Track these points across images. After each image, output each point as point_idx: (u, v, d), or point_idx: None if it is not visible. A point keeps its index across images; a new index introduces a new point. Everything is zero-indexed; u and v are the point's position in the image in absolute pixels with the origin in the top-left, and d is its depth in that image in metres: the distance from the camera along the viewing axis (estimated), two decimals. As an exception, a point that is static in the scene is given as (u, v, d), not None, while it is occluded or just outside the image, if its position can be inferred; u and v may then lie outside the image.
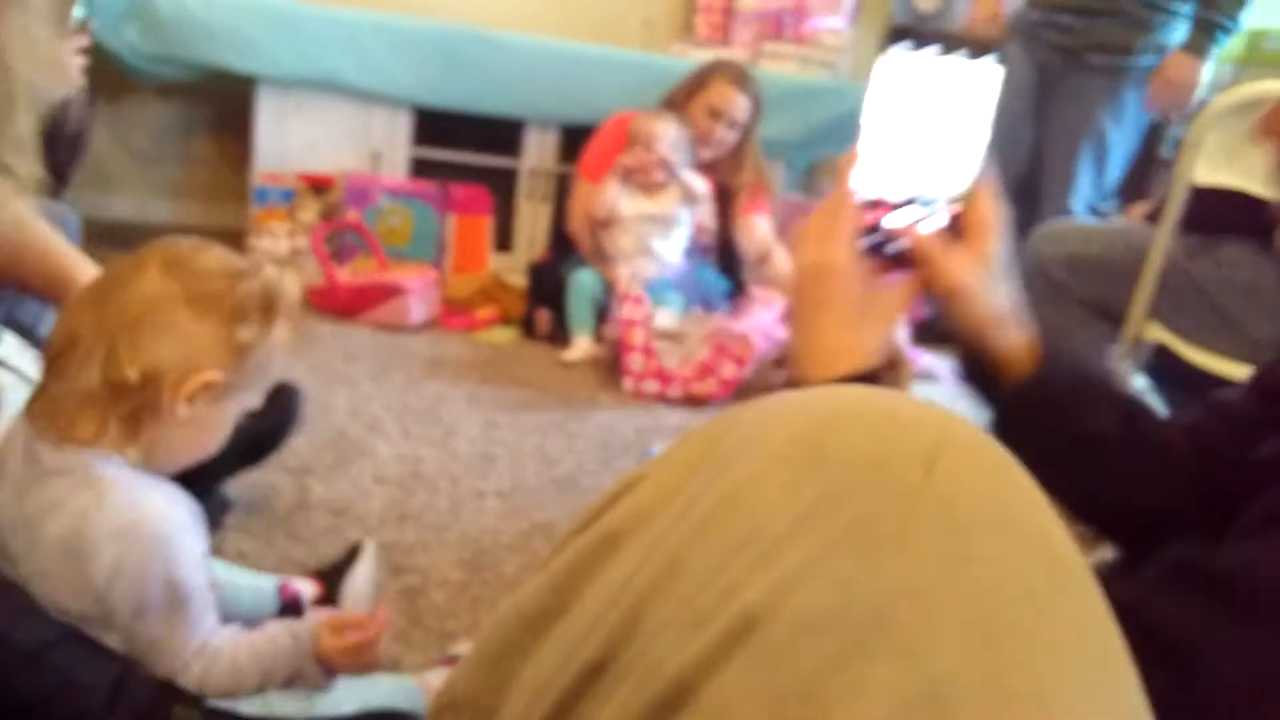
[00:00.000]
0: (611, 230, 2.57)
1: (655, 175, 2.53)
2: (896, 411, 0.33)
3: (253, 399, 0.94)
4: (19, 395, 1.04)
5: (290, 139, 2.82)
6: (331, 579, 1.25)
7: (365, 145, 2.90)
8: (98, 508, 0.82)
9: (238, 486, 1.48)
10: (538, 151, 3.07)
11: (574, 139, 2.95)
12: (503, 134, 3.04)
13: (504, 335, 2.60)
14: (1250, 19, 3.32)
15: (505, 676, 0.35)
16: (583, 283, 2.53)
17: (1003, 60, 2.81)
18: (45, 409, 0.85)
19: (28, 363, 1.10)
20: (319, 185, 2.80)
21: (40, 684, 0.81)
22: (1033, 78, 2.72)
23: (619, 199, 2.55)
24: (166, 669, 0.87)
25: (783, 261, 2.68)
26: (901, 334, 2.38)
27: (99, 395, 0.83)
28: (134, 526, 0.83)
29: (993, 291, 0.64)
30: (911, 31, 0.51)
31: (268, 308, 0.91)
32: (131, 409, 0.84)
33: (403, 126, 2.93)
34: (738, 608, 0.29)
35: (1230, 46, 3.33)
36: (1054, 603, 0.30)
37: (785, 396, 0.36)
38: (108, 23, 2.49)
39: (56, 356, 0.84)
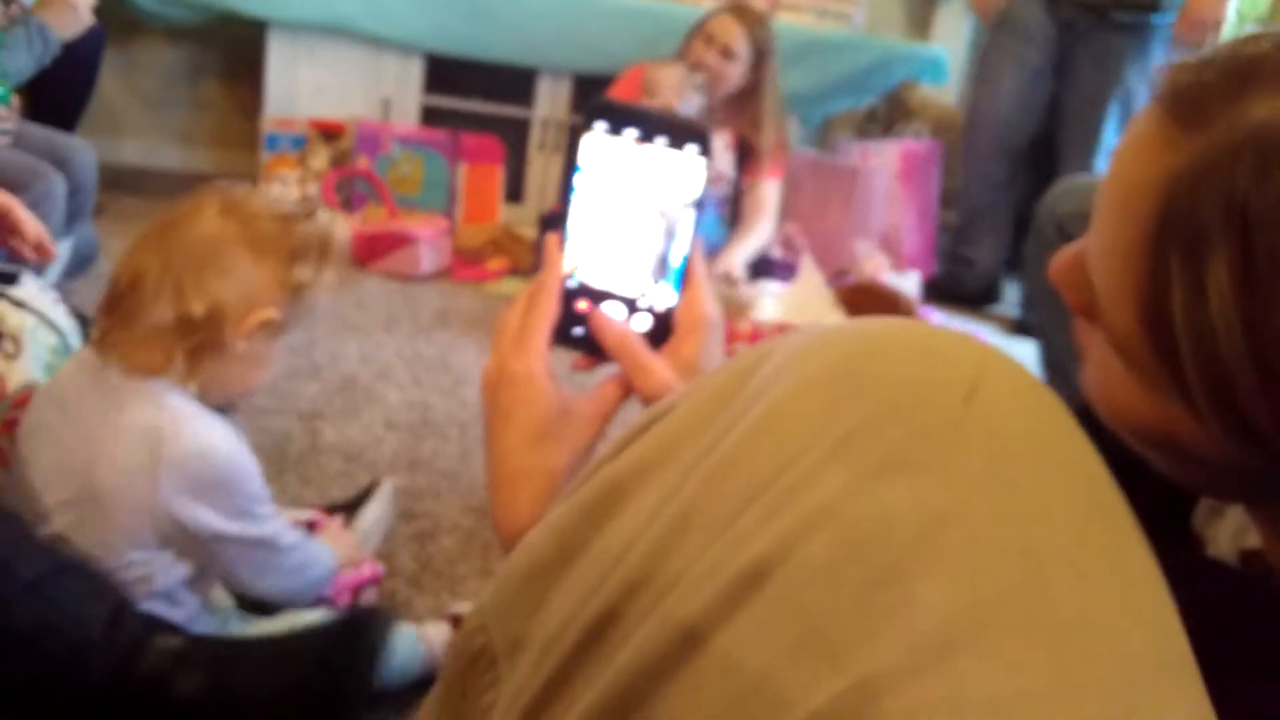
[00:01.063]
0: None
1: None
2: (935, 342, 0.33)
3: (297, 336, 0.97)
4: (41, 337, 1.04)
5: (301, 85, 2.79)
6: (343, 514, 1.27)
7: (376, 92, 2.87)
8: (175, 431, 0.88)
9: (249, 430, 1.49)
10: (550, 101, 3.04)
11: (587, 89, 2.92)
12: (515, 83, 3.00)
13: (514, 287, 2.59)
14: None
15: (535, 602, 0.35)
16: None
17: (1009, 19, 2.77)
18: (114, 340, 0.89)
19: (49, 304, 1.10)
20: (329, 132, 2.78)
21: (38, 615, 0.83)
22: (1054, 34, 2.68)
23: None
24: (248, 569, 0.96)
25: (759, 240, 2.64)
26: (914, 290, 2.34)
27: (167, 330, 0.88)
28: (213, 449, 0.90)
29: None
30: (611, 111, 0.49)
31: (321, 250, 0.96)
32: (196, 343, 0.90)
33: (414, 73, 2.90)
34: (774, 533, 0.29)
35: (1254, 5, 3.28)
36: (1098, 533, 0.30)
37: (819, 329, 0.36)
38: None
39: (123, 293, 0.89)
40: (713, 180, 2.62)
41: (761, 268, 2.61)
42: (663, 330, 0.59)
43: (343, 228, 0.99)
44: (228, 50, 3.07)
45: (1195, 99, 0.40)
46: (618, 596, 0.31)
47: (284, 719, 0.94)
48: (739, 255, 2.53)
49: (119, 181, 2.83)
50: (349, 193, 2.73)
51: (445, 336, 2.14)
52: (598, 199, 0.57)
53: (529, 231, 2.77)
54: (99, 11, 1.95)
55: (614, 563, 0.33)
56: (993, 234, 2.99)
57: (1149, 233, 0.40)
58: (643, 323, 0.59)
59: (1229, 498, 0.51)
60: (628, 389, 0.57)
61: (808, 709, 0.27)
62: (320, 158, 2.75)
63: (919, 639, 0.27)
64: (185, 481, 0.88)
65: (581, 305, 0.58)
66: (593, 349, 0.58)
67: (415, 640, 1.06)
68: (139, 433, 0.87)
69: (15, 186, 1.63)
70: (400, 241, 2.48)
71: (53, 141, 1.83)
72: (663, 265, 0.58)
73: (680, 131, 0.56)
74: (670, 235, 0.58)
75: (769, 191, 2.61)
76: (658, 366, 0.56)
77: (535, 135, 3.07)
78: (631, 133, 0.56)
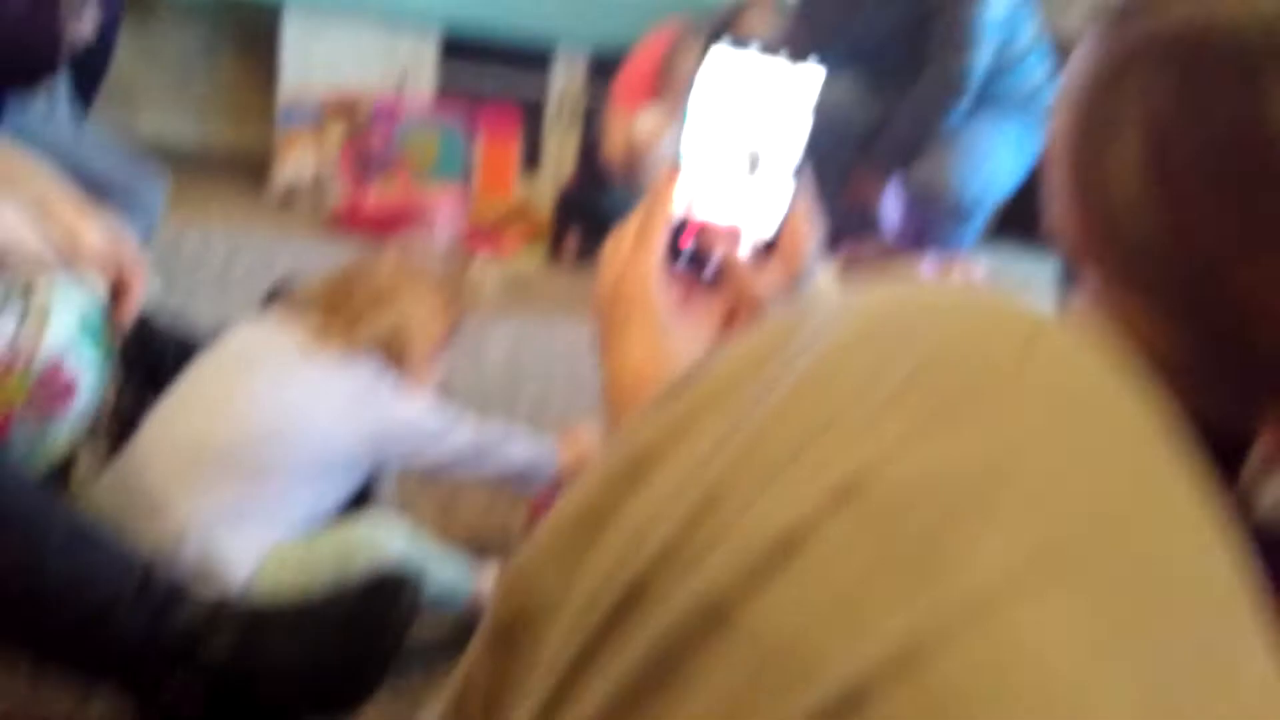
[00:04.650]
0: (651, 160, 2.52)
1: None
2: (987, 299, 0.33)
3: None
4: (73, 299, 1.02)
5: (317, 59, 2.79)
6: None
7: (392, 65, 2.86)
8: (383, 397, 1.18)
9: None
10: (566, 77, 3.03)
11: (604, 66, 2.89)
12: (531, 57, 2.99)
13: (531, 258, 2.59)
14: None
15: (571, 564, 0.35)
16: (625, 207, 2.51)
17: None
18: (334, 333, 1.17)
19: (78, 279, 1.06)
20: (346, 106, 2.78)
21: (71, 573, 0.88)
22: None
23: (660, 125, 2.49)
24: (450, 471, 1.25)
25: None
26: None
27: (374, 339, 1.18)
28: (410, 416, 1.21)
29: None
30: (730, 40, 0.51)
31: (480, 288, 1.36)
32: (391, 353, 1.19)
33: (430, 47, 2.88)
34: (832, 479, 0.29)
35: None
36: (1163, 485, 0.30)
37: (863, 289, 0.35)
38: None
39: (338, 305, 1.19)
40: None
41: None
42: (767, 252, 0.61)
43: (491, 271, 1.37)
44: (244, 25, 3.06)
45: (1120, 9, 0.43)
46: (647, 568, 0.31)
47: (310, 684, 0.97)
48: None
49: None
50: (365, 165, 2.72)
51: (463, 309, 2.14)
52: (711, 127, 0.59)
53: (545, 206, 2.76)
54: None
55: (644, 531, 0.32)
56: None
57: (1074, 129, 0.44)
58: (747, 246, 0.61)
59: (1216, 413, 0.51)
60: (733, 307, 0.61)
61: (835, 674, 0.26)
62: (336, 131, 2.74)
63: (974, 592, 0.26)
64: (390, 434, 1.17)
65: (689, 228, 0.60)
66: (696, 273, 0.61)
67: (467, 574, 1.16)
68: (356, 394, 1.15)
69: (111, 187, 1.64)
70: (416, 213, 2.48)
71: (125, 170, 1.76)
72: (768, 189, 0.60)
73: (794, 58, 0.58)
74: (778, 158, 0.60)
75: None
76: (761, 285, 0.59)
77: (552, 110, 3.05)
78: (751, 53, 0.58)
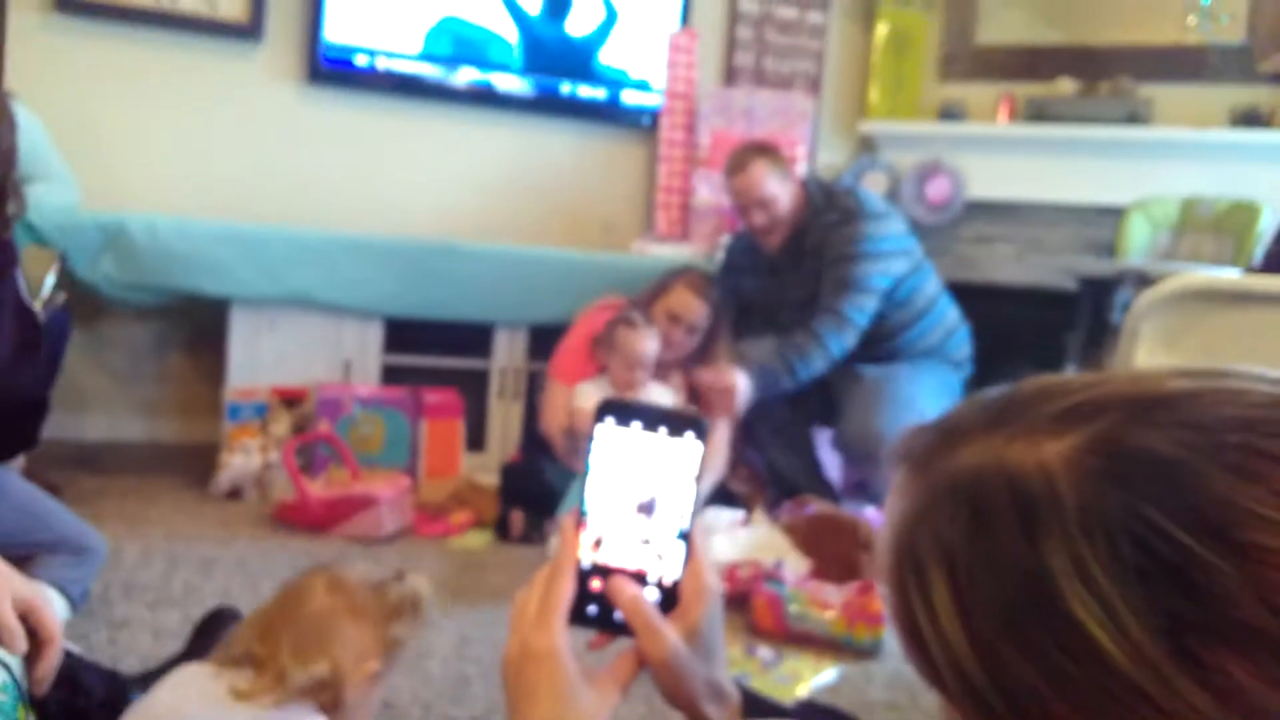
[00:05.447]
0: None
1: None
2: None
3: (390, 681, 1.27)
4: None
5: (263, 354, 2.87)
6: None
7: (337, 356, 2.95)
8: None
9: None
10: (507, 351, 3.14)
11: (543, 337, 3.02)
12: (472, 336, 3.10)
13: (478, 539, 2.58)
14: (1183, 187, 3.50)
15: None
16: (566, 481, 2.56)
17: None
18: (262, 688, 1.10)
19: None
20: (291, 398, 2.84)
21: None
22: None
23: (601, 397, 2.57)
24: None
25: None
26: (872, 517, 2.33)
27: (304, 688, 1.11)
28: None
29: (703, 663, 0.63)
30: (618, 407, 0.55)
31: (413, 609, 1.24)
32: (325, 697, 1.13)
33: (374, 336, 2.99)
34: None
35: (1165, 213, 3.49)
36: None
37: None
38: (85, 257, 2.57)
39: (264, 658, 1.12)
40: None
41: (720, 497, 2.64)
42: (670, 600, 0.63)
43: (425, 585, 1.31)
44: (192, 322, 3.16)
45: (916, 453, 0.47)
46: None
47: None
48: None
49: (81, 459, 2.85)
50: (311, 457, 2.75)
51: (408, 603, 2.10)
52: (607, 485, 0.63)
53: (491, 480, 2.79)
54: (66, 296, 2.02)
55: None
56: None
57: (892, 564, 0.46)
58: (651, 595, 0.63)
59: None
60: (641, 660, 0.62)
61: None
62: (282, 424, 2.79)
63: None
64: None
65: (595, 583, 0.63)
66: (606, 625, 0.64)
67: None
68: None
69: (57, 543, 1.69)
70: (362, 504, 2.49)
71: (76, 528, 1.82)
72: (667, 541, 0.63)
73: (678, 421, 0.62)
74: (673, 513, 0.63)
75: (720, 430, 2.68)
76: (669, 632, 0.61)
77: (494, 384, 3.14)
78: (636, 424, 0.62)
